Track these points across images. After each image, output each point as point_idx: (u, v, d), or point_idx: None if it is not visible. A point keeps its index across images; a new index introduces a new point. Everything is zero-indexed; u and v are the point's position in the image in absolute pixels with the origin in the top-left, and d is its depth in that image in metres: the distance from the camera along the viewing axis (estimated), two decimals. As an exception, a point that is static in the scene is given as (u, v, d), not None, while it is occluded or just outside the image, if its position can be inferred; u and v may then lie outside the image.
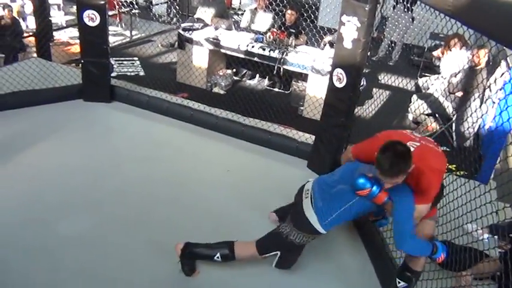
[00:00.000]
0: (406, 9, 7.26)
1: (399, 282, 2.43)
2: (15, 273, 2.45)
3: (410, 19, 7.39)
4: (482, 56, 4.75)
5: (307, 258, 2.73)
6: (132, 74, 5.93)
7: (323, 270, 2.78)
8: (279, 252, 2.52)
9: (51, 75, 4.55)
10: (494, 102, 4.54)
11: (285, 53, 5.21)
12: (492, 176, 4.09)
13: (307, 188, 2.54)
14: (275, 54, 5.23)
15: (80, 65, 4.54)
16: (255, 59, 5.38)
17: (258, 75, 6.07)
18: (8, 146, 3.65)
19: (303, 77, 5.33)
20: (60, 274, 2.50)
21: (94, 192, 3.23)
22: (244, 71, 6.09)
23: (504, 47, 2.45)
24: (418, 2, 4.98)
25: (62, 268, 2.54)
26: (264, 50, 5.28)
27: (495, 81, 4.58)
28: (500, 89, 4.39)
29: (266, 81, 5.93)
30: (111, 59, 4.85)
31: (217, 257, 2.52)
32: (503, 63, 4.48)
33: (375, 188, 2.21)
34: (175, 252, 2.57)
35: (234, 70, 6.05)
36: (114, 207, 3.10)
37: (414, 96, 5.33)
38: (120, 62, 6.29)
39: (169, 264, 2.61)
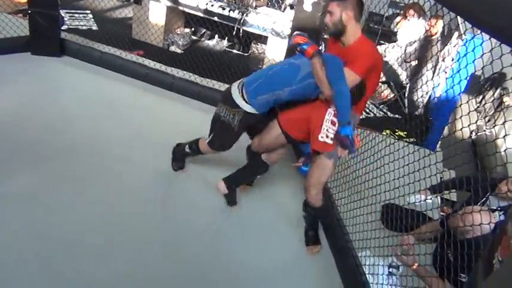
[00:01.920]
0: None
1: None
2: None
3: None
4: (439, 26, 4.85)
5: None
6: (84, 28, 5.64)
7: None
8: (212, 134, 2.81)
9: (-5, 24, 4.25)
10: (446, 72, 4.68)
11: (245, 14, 5.10)
12: (439, 143, 4.28)
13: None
14: (235, 14, 5.12)
15: (27, 15, 4.26)
16: (215, 18, 5.24)
17: (217, 36, 5.93)
18: None
19: (262, 39, 5.27)
20: (2, 229, 2.42)
21: (42, 148, 3.11)
22: (203, 31, 5.94)
23: (456, 16, 2.49)
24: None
25: (3, 224, 2.46)
26: (223, 9, 5.15)
27: (449, 52, 4.71)
28: (452, 60, 4.53)
29: (225, 42, 5.83)
30: (61, 11, 4.58)
31: (187, 147, 3.03)
32: (455, 33, 4.60)
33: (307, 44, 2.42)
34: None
35: (193, 29, 5.89)
36: (62, 165, 3.01)
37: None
38: (71, 14, 5.94)
39: (120, 219, 2.61)
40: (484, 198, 2.86)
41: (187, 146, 3.03)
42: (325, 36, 5.63)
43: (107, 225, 2.61)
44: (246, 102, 2.57)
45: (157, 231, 2.67)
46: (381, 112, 5.02)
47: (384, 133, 4.39)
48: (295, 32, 2.56)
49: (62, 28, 4.64)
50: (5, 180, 2.76)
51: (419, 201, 3.01)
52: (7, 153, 2.99)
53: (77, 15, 5.99)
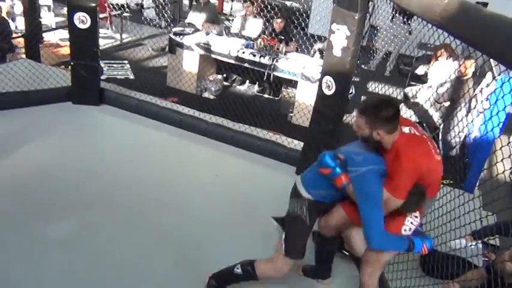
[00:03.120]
0: (404, 22, 7.40)
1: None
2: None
3: (408, 32, 7.52)
4: (469, 66, 4.82)
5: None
6: (122, 77, 5.91)
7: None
8: (283, 234, 2.38)
9: (40, 76, 4.50)
10: (480, 112, 4.61)
11: (275, 60, 5.24)
12: (478, 184, 4.15)
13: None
14: (265, 60, 5.26)
15: (70, 67, 4.52)
16: (245, 64, 5.40)
17: (248, 81, 6.08)
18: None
19: (292, 84, 5.36)
20: (45, 278, 2.47)
21: (80, 195, 3.21)
22: (235, 77, 6.11)
23: (490, 58, 2.48)
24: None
25: (46, 271, 2.51)
26: (254, 56, 5.30)
27: (481, 91, 4.66)
28: (486, 99, 4.46)
29: (256, 87, 5.96)
30: (101, 61, 4.82)
31: (237, 268, 2.44)
32: (489, 74, 4.55)
33: (337, 169, 2.16)
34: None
35: (224, 75, 6.07)
36: (100, 210, 3.09)
37: (402, 105, 5.39)
38: (110, 65, 6.26)
39: (158, 266, 2.61)
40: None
41: (238, 267, 2.44)
42: (356, 79, 5.70)
43: (148, 268, 2.63)
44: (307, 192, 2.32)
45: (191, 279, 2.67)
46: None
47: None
48: (325, 158, 2.22)
49: (101, 78, 4.87)
50: (46, 226, 2.85)
51: (463, 247, 2.89)
52: (48, 200, 3.10)
53: (115, 65, 6.30)
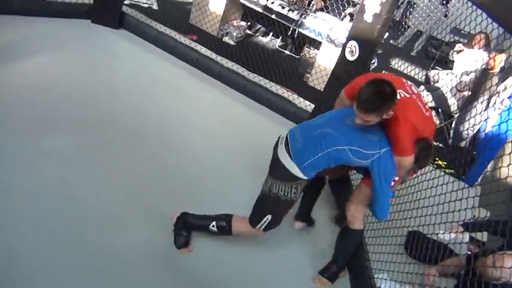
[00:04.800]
0: (442, 3, 7.11)
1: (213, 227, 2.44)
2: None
3: (444, 14, 7.23)
4: (499, 61, 4.67)
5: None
6: (145, 5, 5.76)
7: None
8: (269, 216, 2.35)
9: (63, -13, 4.41)
10: (499, 109, 4.50)
11: (303, 16, 5.08)
12: (479, 181, 4.12)
13: (282, 136, 2.37)
14: (293, 15, 5.10)
15: (94, -16, 4.41)
16: (273, 16, 5.24)
17: (271, 34, 5.93)
18: (9, 51, 3.58)
19: (316, 44, 5.22)
20: (35, 184, 2.51)
21: (84, 113, 3.21)
22: (259, 27, 5.94)
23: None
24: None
25: (40, 177, 2.55)
26: (283, 8, 5.14)
27: (505, 89, 4.53)
28: (509, 97, 4.35)
29: (278, 41, 5.81)
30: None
31: (213, 226, 2.42)
32: (517, 71, 4.41)
33: None
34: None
35: (249, 23, 5.91)
36: (101, 132, 3.09)
37: (421, 87, 5.27)
38: (135, -10, 6.09)
39: (148, 192, 2.67)
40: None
41: (213, 224, 2.44)
42: (379, 52, 5.54)
43: (131, 197, 2.66)
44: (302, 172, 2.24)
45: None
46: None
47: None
48: None
49: (124, 2, 4.76)
50: (46, 137, 2.86)
51: (448, 235, 2.90)
52: (53, 112, 3.10)
53: (140, -8, 6.13)
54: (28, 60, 3.57)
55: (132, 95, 3.62)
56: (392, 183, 2.32)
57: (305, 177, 2.24)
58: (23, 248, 2.14)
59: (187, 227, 2.47)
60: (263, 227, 2.38)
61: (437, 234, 2.65)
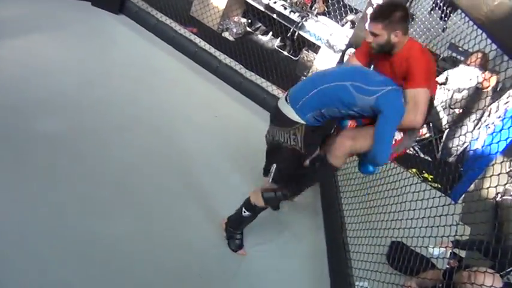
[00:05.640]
0: (442, 17, 7.15)
1: (244, 212, 2.47)
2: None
3: (443, 27, 7.29)
4: (494, 82, 4.73)
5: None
6: (148, -7, 5.72)
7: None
8: (275, 165, 2.35)
9: (65, -33, 4.36)
10: (488, 128, 4.56)
11: (304, 18, 5.08)
12: (463, 196, 4.17)
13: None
14: (294, 16, 5.10)
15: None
16: (274, 15, 5.24)
17: (271, 33, 5.93)
18: (6, 28, 3.53)
19: (314, 48, 5.23)
20: (23, 166, 2.47)
21: (77, 97, 3.17)
22: (259, 25, 5.94)
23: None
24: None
25: (25, 161, 2.51)
26: (285, 9, 5.14)
27: (497, 107, 4.59)
28: (498, 117, 4.41)
29: (277, 41, 5.81)
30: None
31: (244, 211, 2.47)
32: (509, 92, 4.46)
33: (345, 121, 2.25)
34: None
35: (249, 21, 5.90)
36: (92, 117, 3.06)
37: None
38: (139, -23, 6.03)
39: (135, 181, 2.67)
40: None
41: (244, 211, 2.47)
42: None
43: (119, 186, 2.64)
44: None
45: (171, 195, 2.69)
46: (412, 150, 4.92)
47: (410, 171, 4.30)
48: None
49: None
50: (37, 120, 2.82)
51: (437, 249, 2.93)
52: (46, 94, 3.06)
53: (143, -21, 6.07)
54: (24, 39, 3.51)
55: (127, 82, 3.58)
56: (394, 142, 2.19)
57: (302, 121, 2.17)
58: (6, 228, 2.11)
59: (235, 227, 2.54)
60: (271, 178, 2.36)
61: (426, 247, 2.67)
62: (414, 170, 4.46)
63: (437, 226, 2.35)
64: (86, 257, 2.17)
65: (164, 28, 4.48)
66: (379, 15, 2.15)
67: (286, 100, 2.22)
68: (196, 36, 4.60)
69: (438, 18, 7.24)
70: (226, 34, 5.52)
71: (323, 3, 5.44)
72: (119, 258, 2.25)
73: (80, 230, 2.28)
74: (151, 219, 2.53)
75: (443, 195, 3.17)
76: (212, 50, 4.45)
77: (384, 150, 2.14)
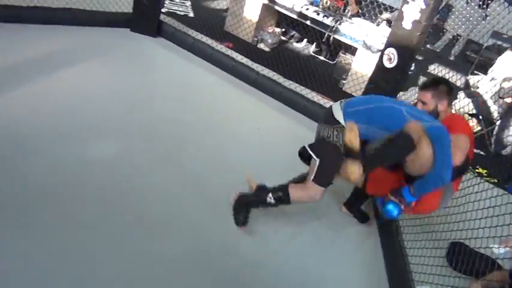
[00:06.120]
0: (480, 5, 6.92)
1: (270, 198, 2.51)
2: (36, 181, 2.53)
3: (483, 15, 7.04)
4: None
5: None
6: (182, 13, 5.87)
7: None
8: (318, 160, 2.39)
9: (104, -1, 4.56)
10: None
11: (338, 22, 5.05)
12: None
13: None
14: (328, 21, 5.08)
15: (133, -6, 4.53)
16: (307, 22, 5.24)
17: (305, 40, 5.92)
18: (52, 60, 3.71)
19: (351, 50, 5.18)
20: (80, 190, 2.58)
21: (124, 122, 3.28)
22: (293, 33, 5.95)
23: None
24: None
25: (82, 185, 2.62)
26: (318, 14, 5.13)
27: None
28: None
29: (313, 47, 5.79)
30: (163, -6, 4.81)
31: (270, 198, 2.50)
32: None
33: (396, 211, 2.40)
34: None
35: (283, 30, 5.92)
36: (141, 140, 3.15)
37: (461, 94, 5.13)
38: (172, -1, 6.22)
39: (182, 201, 2.70)
40: None
41: (270, 196, 2.52)
42: (419, 58, 5.43)
43: (174, 198, 2.71)
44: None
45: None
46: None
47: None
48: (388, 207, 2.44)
49: (162, 10, 4.86)
50: (89, 145, 2.95)
51: (503, 249, 2.80)
52: (95, 120, 3.19)
53: (177, 0, 6.25)
54: (71, 69, 3.69)
55: (170, 102, 3.68)
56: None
57: (343, 123, 2.32)
58: (72, 251, 2.21)
59: (246, 205, 2.58)
60: (313, 176, 2.41)
61: (491, 248, 2.57)
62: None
63: (501, 225, 2.25)
64: (149, 277, 2.23)
65: (201, 46, 4.57)
66: (428, 85, 2.51)
67: (341, 103, 2.41)
68: (232, 51, 4.67)
69: (477, 7, 7.01)
70: (261, 45, 5.57)
71: (356, 4, 5.39)
72: (181, 274, 2.29)
73: (137, 249, 2.34)
74: (208, 236, 2.56)
75: (505, 193, 3.02)
76: (249, 62, 4.50)
77: (448, 169, 2.20)
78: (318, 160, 2.39)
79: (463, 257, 2.62)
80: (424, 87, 2.53)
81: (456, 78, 5.54)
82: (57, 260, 2.14)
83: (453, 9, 7.48)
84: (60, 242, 2.24)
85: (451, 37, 7.42)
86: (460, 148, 2.28)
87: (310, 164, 2.48)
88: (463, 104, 4.95)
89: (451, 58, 7.20)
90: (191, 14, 5.91)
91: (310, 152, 2.44)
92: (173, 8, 5.89)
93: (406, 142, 2.18)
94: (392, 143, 2.22)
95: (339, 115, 2.34)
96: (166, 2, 5.92)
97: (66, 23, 4.26)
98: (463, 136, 2.33)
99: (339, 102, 2.45)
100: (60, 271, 2.10)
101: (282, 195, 2.49)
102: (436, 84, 2.50)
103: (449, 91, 2.50)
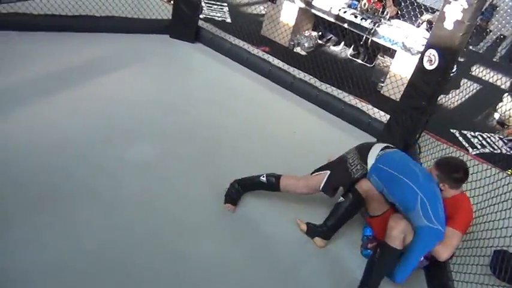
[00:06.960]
0: None
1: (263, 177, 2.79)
2: (78, 183, 2.64)
3: None
4: None
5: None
6: (219, 19, 5.95)
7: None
8: (329, 172, 2.66)
9: (144, 6, 4.69)
10: None
11: (376, 24, 4.97)
12: None
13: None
14: (366, 23, 5.01)
15: (172, 1, 4.63)
16: (345, 25, 5.19)
17: (343, 43, 5.87)
18: (95, 66, 3.86)
19: (390, 53, 5.09)
20: (119, 193, 2.66)
21: (162, 126, 3.36)
22: (330, 36, 5.91)
23: None
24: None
25: (121, 187, 2.70)
26: (356, 17, 5.07)
27: None
28: None
29: (350, 51, 5.73)
30: (202, 0, 4.88)
31: (263, 177, 2.75)
32: None
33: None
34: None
35: (320, 33, 5.89)
36: (178, 144, 3.21)
37: (507, 96, 4.93)
38: (210, 5, 6.31)
39: (218, 204, 2.74)
40: None
41: (263, 175, 2.79)
42: (461, 60, 5.26)
43: (210, 204, 2.74)
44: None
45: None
46: (509, 150, 4.55)
47: (509, 172, 3.99)
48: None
49: (200, 16, 4.95)
50: (129, 148, 3.04)
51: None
52: (135, 124, 3.29)
53: (214, 6, 6.34)
54: (112, 74, 3.83)
55: (208, 106, 3.74)
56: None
57: (367, 167, 2.58)
58: (106, 250, 2.28)
59: (240, 186, 2.77)
60: (322, 185, 2.67)
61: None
62: (510, 170, 4.12)
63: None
64: (180, 276, 2.27)
65: (238, 51, 4.62)
66: (440, 165, 2.56)
67: (380, 150, 2.61)
68: (269, 55, 4.70)
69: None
70: (298, 49, 5.57)
71: (395, 6, 5.29)
72: (213, 277, 2.32)
73: (174, 251, 2.39)
74: (242, 238, 2.58)
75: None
76: (285, 66, 4.51)
77: (407, 271, 2.39)
78: (329, 171, 2.67)
79: (507, 265, 2.52)
80: (436, 163, 2.59)
81: (500, 80, 5.33)
82: (95, 261, 2.22)
83: (498, 9, 7.21)
84: (99, 242, 2.32)
85: (495, 37, 7.15)
86: (451, 246, 2.37)
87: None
88: (508, 106, 4.76)
89: (495, 59, 6.94)
90: (228, 20, 5.98)
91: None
92: (211, 14, 5.98)
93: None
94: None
95: (370, 160, 2.59)
96: (204, 8, 6.02)
97: (109, 31, 4.42)
98: (458, 234, 2.38)
99: (380, 146, 2.64)
100: (100, 272, 2.17)
101: (274, 179, 2.74)
102: (446, 169, 2.51)
103: (458, 179, 2.51)
